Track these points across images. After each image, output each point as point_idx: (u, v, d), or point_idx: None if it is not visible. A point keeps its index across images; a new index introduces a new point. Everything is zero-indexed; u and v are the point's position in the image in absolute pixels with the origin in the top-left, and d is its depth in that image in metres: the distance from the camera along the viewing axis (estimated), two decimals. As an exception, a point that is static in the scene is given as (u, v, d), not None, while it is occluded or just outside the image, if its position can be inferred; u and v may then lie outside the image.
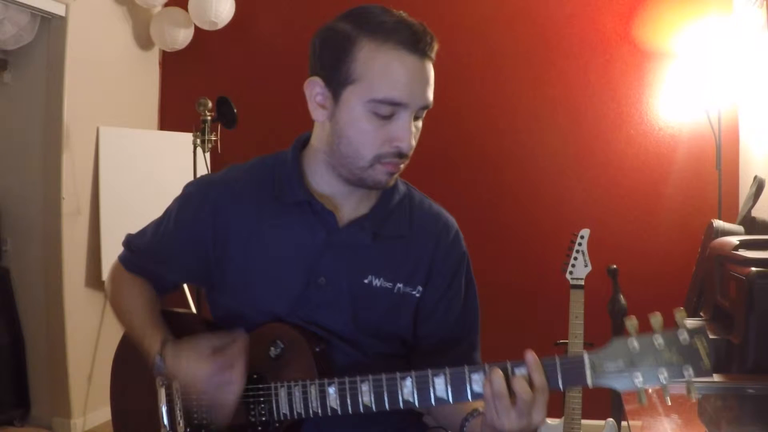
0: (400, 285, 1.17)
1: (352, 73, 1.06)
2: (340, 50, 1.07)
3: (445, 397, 0.98)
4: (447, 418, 1.17)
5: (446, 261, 1.21)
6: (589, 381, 0.92)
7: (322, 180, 1.17)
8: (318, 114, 1.12)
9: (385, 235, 1.17)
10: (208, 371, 1.07)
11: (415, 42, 1.05)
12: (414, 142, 1.10)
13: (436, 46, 1.09)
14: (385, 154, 1.08)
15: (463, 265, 1.24)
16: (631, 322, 0.91)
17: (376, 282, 1.16)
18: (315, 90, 1.11)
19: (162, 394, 1.15)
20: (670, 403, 0.90)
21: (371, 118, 1.06)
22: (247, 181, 1.20)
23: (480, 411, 1.06)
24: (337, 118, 1.09)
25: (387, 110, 1.06)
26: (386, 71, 1.05)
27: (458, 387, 0.98)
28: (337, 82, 1.08)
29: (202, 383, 1.08)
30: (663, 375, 0.90)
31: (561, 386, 0.94)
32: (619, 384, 0.92)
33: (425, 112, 1.11)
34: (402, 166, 1.12)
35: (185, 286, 2.82)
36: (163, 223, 1.25)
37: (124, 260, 1.29)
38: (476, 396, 0.97)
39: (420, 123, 1.12)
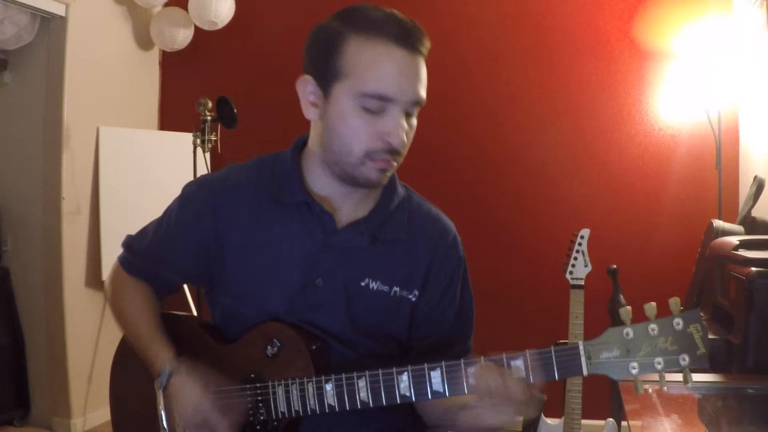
0: (396, 288, 1.17)
1: (341, 69, 1.06)
2: (329, 46, 1.07)
3: (442, 391, 0.99)
4: (440, 415, 1.16)
5: (443, 266, 1.21)
6: (584, 370, 0.92)
7: (319, 181, 1.17)
8: (310, 112, 1.13)
9: (383, 238, 1.17)
10: (207, 407, 1.08)
11: (404, 36, 1.04)
12: (407, 140, 1.09)
13: (427, 43, 1.08)
14: (376, 150, 1.07)
15: (459, 271, 1.24)
16: (626, 311, 0.91)
17: (373, 285, 1.16)
18: (307, 88, 1.12)
19: (161, 397, 1.15)
20: (666, 389, 0.90)
21: (360, 113, 1.06)
22: (247, 181, 1.20)
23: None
24: (328, 114, 1.09)
25: (376, 105, 1.05)
26: (374, 65, 1.04)
27: (454, 380, 0.98)
28: (326, 78, 1.08)
29: (195, 415, 1.08)
30: (659, 363, 0.90)
31: (557, 376, 0.94)
32: (614, 373, 0.92)
33: (418, 109, 1.10)
34: (395, 164, 1.11)
35: (185, 287, 2.83)
36: (163, 223, 1.25)
37: (124, 262, 1.28)
38: (473, 389, 0.97)
39: (414, 121, 1.11)
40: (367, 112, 1.06)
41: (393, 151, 1.07)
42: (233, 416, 1.09)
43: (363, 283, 1.16)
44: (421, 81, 1.08)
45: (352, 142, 1.07)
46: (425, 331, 1.21)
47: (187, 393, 1.10)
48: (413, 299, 1.19)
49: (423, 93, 1.08)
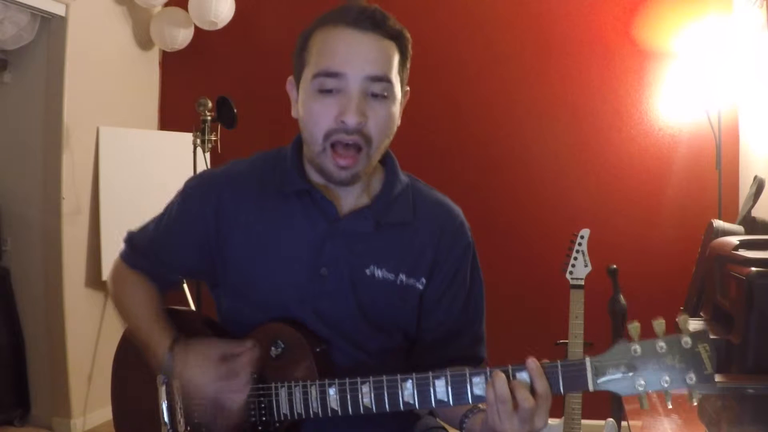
0: (402, 276, 1.16)
1: (304, 60, 1.11)
2: (301, 45, 1.12)
3: (446, 400, 0.98)
4: (447, 413, 1.16)
5: (451, 252, 1.20)
6: (590, 386, 0.92)
7: (315, 176, 1.17)
8: (294, 110, 1.16)
9: (388, 223, 1.16)
10: (213, 376, 1.08)
11: (356, 18, 1.06)
12: (372, 123, 1.07)
13: (391, 25, 1.09)
14: (332, 131, 1.07)
15: (468, 256, 1.22)
16: (634, 326, 0.91)
17: (378, 273, 1.15)
18: (292, 91, 1.16)
19: (162, 391, 1.15)
20: (671, 407, 0.90)
21: (317, 96, 1.08)
22: (249, 175, 1.20)
23: (481, 408, 1.06)
24: (299, 106, 1.13)
25: (330, 83, 1.06)
26: (324, 46, 1.08)
27: (459, 390, 0.97)
28: (298, 73, 1.13)
29: (206, 387, 1.08)
30: (665, 381, 0.89)
31: (562, 391, 0.93)
32: (621, 389, 0.91)
33: (383, 89, 1.08)
34: (362, 157, 1.08)
35: (185, 285, 2.82)
36: (165, 217, 1.25)
37: (126, 257, 1.28)
38: (477, 399, 0.97)
39: (388, 108, 1.09)
40: (323, 94, 1.07)
41: (350, 132, 1.06)
42: (243, 378, 1.08)
43: (368, 271, 1.15)
44: (375, 57, 1.07)
45: (314, 126, 1.09)
46: (435, 319, 1.20)
47: (189, 370, 1.10)
48: (420, 287, 1.18)
49: (379, 68, 1.07)
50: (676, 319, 0.90)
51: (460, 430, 1.08)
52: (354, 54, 1.06)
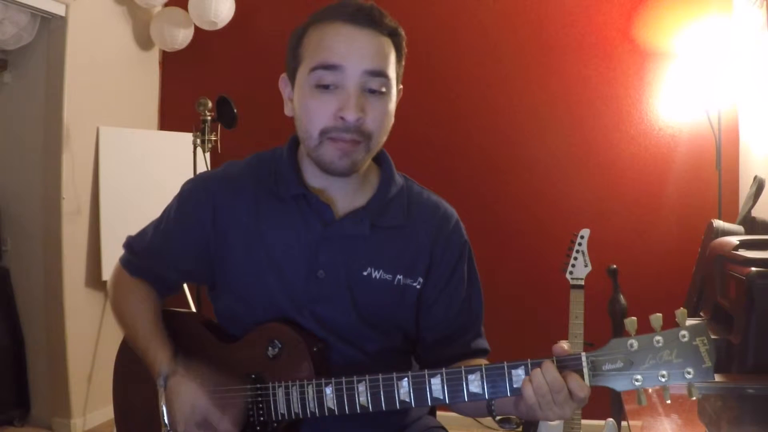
0: (400, 276, 1.17)
1: (300, 57, 1.10)
2: (294, 42, 1.12)
3: (442, 397, 0.98)
4: (469, 404, 1.13)
5: (447, 251, 1.20)
6: (587, 381, 0.92)
7: (312, 174, 1.17)
8: (287, 108, 1.16)
9: (383, 225, 1.17)
10: (205, 405, 1.08)
11: (353, 14, 1.07)
12: (371, 119, 1.07)
13: (387, 23, 1.09)
14: (331, 128, 1.07)
15: (464, 255, 1.23)
16: (631, 322, 0.91)
17: (376, 274, 1.15)
18: (286, 87, 1.16)
19: (162, 393, 1.15)
20: (669, 401, 0.90)
21: (315, 91, 1.07)
22: (245, 177, 1.20)
23: None
24: (294, 103, 1.13)
25: (328, 78, 1.06)
26: (321, 41, 1.07)
27: (455, 387, 0.97)
28: (293, 70, 1.12)
29: (194, 414, 1.08)
30: (663, 376, 0.89)
31: None
32: (617, 385, 0.91)
33: (381, 84, 1.08)
34: (363, 148, 1.08)
35: (185, 285, 2.82)
36: (163, 221, 1.25)
37: (125, 263, 1.28)
38: (472, 396, 0.97)
39: (386, 104, 1.09)
40: (321, 89, 1.07)
41: (350, 129, 1.06)
42: (233, 413, 1.09)
43: (365, 273, 1.15)
44: (373, 52, 1.07)
45: (310, 123, 1.08)
46: (434, 318, 1.20)
47: (183, 392, 1.10)
48: (418, 287, 1.18)
49: (377, 63, 1.07)
50: (675, 311, 0.89)
51: (490, 413, 1.06)
52: (352, 49, 1.06)
